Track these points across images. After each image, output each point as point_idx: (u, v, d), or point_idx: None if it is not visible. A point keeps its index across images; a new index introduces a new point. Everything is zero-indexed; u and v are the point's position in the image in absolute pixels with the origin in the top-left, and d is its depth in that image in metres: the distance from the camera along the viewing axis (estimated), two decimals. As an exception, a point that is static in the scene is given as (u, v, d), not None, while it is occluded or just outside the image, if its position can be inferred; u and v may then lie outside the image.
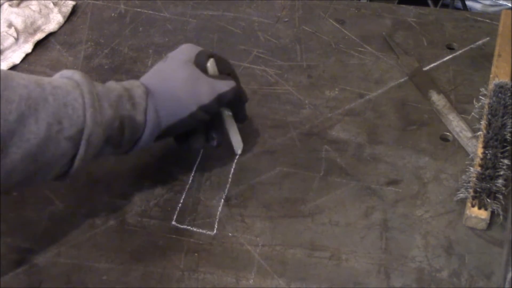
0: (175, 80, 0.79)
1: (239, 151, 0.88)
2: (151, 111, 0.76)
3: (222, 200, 0.83)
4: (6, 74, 0.66)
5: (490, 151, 0.82)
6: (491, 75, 0.97)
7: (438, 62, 1.03)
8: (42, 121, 0.66)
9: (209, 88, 0.79)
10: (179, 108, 0.78)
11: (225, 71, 0.83)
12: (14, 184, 0.68)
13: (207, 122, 0.82)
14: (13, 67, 1.04)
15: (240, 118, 0.87)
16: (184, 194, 0.84)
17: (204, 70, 0.81)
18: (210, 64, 0.81)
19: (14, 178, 0.66)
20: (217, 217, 0.81)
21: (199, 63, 0.81)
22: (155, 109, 0.76)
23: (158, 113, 0.77)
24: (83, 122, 0.69)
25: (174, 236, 0.79)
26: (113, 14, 1.15)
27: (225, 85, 0.81)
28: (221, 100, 0.81)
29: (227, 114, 0.85)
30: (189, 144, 0.83)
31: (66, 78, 0.72)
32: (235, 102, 0.83)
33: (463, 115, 0.93)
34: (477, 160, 0.83)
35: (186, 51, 0.82)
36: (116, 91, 0.74)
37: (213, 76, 0.81)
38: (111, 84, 0.76)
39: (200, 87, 0.79)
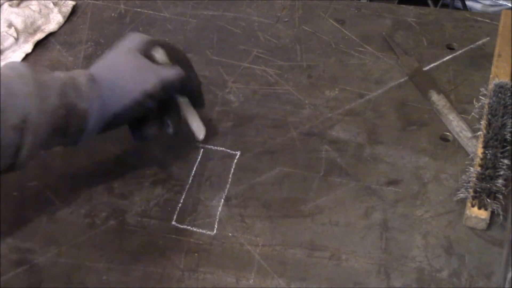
0: (120, 67, 0.80)
1: (200, 136, 0.87)
2: (95, 98, 0.76)
3: (222, 200, 0.83)
4: None
5: (490, 151, 0.82)
6: (491, 75, 0.97)
7: (438, 62, 1.03)
8: None
9: (153, 75, 0.80)
10: (123, 95, 0.78)
11: (176, 59, 0.84)
12: None
13: (162, 109, 0.82)
14: (13, 67, 1.04)
15: (197, 104, 0.87)
16: (184, 194, 0.84)
17: (151, 58, 0.82)
18: (158, 53, 0.82)
19: None
20: (217, 217, 0.81)
21: (146, 51, 0.82)
22: (100, 96, 0.76)
23: (103, 101, 0.77)
24: (27, 111, 0.69)
25: (174, 236, 0.79)
26: (113, 14, 1.15)
27: (170, 73, 0.81)
28: (166, 87, 0.81)
29: (182, 100, 0.85)
30: (141, 132, 0.83)
31: (10, 69, 0.72)
32: (184, 89, 0.84)
33: (463, 115, 0.93)
34: (477, 160, 0.83)
35: (133, 40, 0.83)
36: (61, 79, 0.74)
37: (159, 64, 0.82)
38: (57, 73, 0.76)
39: (144, 74, 0.80)
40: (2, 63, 1.03)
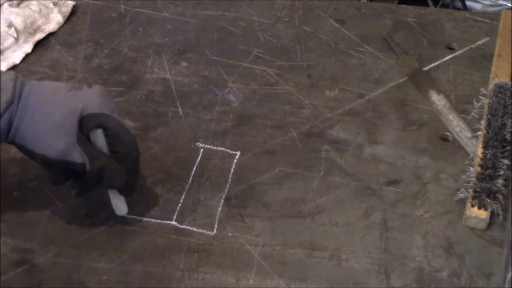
0: (46, 118, 0.73)
1: (118, 213, 0.81)
2: (4, 121, 0.72)
3: (222, 200, 0.83)
4: None
5: (490, 151, 0.82)
6: (491, 75, 0.97)
7: (438, 62, 1.03)
8: None
9: (63, 149, 0.73)
10: (30, 140, 0.73)
11: (117, 148, 0.76)
12: None
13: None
14: (13, 67, 1.04)
15: (122, 192, 0.79)
16: (184, 194, 0.84)
17: (86, 131, 0.74)
18: (96, 135, 0.75)
19: None
20: (217, 217, 0.81)
21: (87, 124, 0.74)
22: (10, 120, 0.72)
23: (12, 126, 0.73)
24: None
25: (174, 236, 0.79)
26: (113, 14, 1.15)
27: (80, 158, 0.73)
28: (69, 167, 0.74)
29: None
30: (49, 175, 0.77)
31: None
32: (103, 180, 0.75)
33: (463, 115, 0.93)
34: (477, 160, 0.83)
35: (90, 100, 0.75)
36: None
37: (84, 144, 0.73)
38: None
39: (56, 142, 0.73)
40: (2, 63, 1.03)
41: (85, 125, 0.74)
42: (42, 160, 0.74)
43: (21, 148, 0.75)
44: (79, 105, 0.74)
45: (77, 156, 0.73)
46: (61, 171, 0.75)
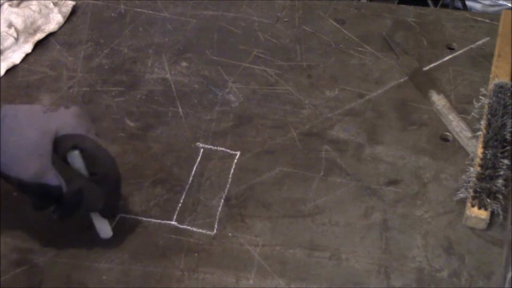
0: (20, 140, 0.71)
1: (102, 236, 0.78)
2: None
3: (222, 200, 0.83)
4: None
5: (490, 151, 0.82)
6: (491, 75, 0.97)
7: (438, 62, 1.03)
8: None
9: (38, 171, 0.71)
10: (4, 164, 0.71)
11: (95, 169, 0.73)
12: None
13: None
14: (13, 67, 1.04)
15: (103, 215, 0.77)
16: (184, 194, 0.84)
17: (60, 155, 0.72)
18: (73, 157, 0.72)
19: None
20: (217, 217, 0.81)
21: (62, 146, 0.72)
22: None
23: None
24: None
25: (174, 236, 0.79)
26: (113, 14, 1.15)
27: (55, 180, 0.71)
28: (45, 190, 0.72)
29: None
30: (30, 200, 0.75)
31: None
32: (69, 202, 0.73)
33: (463, 115, 0.93)
34: (477, 160, 0.83)
35: (65, 121, 0.73)
36: None
37: (59, 166, 0.71)
38: None
39: (30, 164, 0.71)
40: (2, 63, 1.03)
41: (60, 146, 0.71)
42: (17, 183, 0.72)
43: None
44: (53, 126, 0.72)
45: (53, 178, 0.71)
46: (38, 195, 0.73)
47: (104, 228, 0.78)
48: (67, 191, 0.71)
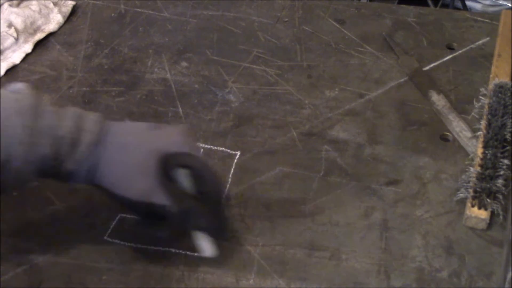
0: (128, 159, 0.71)
1: (205, 255, 0.76)
2: (87, 164, 0.70)
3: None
4: None
5: (490, 151, 0.82)
6: (491, 75, 0.97)
7: (438, 62, 1.03)
8: None
9: (146, 190, 0.70)
10: (111, 182, 0.71)
11: (202, 188, 0.73)
12: None
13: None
14: (13, 67, 1.04)
15: (215, 236, 0.75)
16: (184, 194, 0.84)
17: (169, 171, 0.72)
18: (179, 175, 0.72)
19: None
20: (217, 217, 0.81)
21: (169, 164, 0.72)
22: (94, 163, 0.71)
23: (95, 168, 0.71)
24: (11, 154, 0.66)
25: (174, 236, 0.79)
26: (113, 14, 1.15)
27: (163, 199, 0.70)
28: (152, 210, 0.71)
29: None
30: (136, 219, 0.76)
31: (14, 101, 0.68)
32: (176, 222, 0.72)
33: (463, 115, 0.93)
34: (477, 160, 0.83)
35: (171, 139, 0.74)
36: (63, 129, 0.69)
37: (167, 185, 0.71)
38: (66, 116, 0.70)
39: (138, 183, 0.71)
40: (2, 63, 1.03)
41: (168, 165, 0.71)
42: (126, 202, 0.72)
43: (104, 190, 0.72)
44: (160, 145, 0.72)
45: (160, 197, 0.70)
46: (144, 213, 0.73)
47: (207, 247, 0.75)
48: (175, 211, 0.70)
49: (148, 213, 0.72)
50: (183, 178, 0.72)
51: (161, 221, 0.72)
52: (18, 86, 0.71)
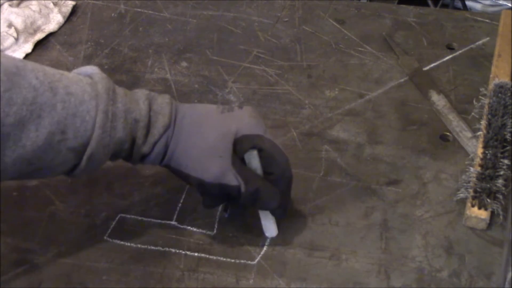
0: (201, 141, 0.73)
1: (268, 235, 0.79)
2: (160, 146, 0.72)
3: (222, 200, 0.83)
4: (19, 69, 0.64)
5: (490, 151, 0.82)
6: (491, 75, 0.97)
7: (438, 62, 1.03)
8: (43, 129, 0.65)
9: (219, 172, 0.72)
10: (186, 164, 0.73)
11: (271, 169, 0.74)
12: (9, 179, 0.68)
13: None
14: (13, 67, 1.04)
15: (275, 214, 0.78)
16: (184, 194, 0.84)
17: (239, 153, 0.73)
18: (251, 157, 0.73)
19: (6, 176, 0.66)
20: (217, 217, 0.81)
21: (240, 146, 0.73)
22: (166, 145, 0.73)
23: (167, 150, 0.73)
24: (89, 138, 0.68)
25: (174, 236, 0.79)
26: (113, 14, 1.15)
27: (235, 180, 0.72)
28: (224, 190, 0.73)
29: None
30: (203, 200, 0.77)
31: (88, 85, 0.69)
32: (256, 203, 0.74)
33: (463, 115, 0.93)
34: (477, 160, 0.83)
35: (242, 122, 0.74)
36: (137, 112, 0.71)
37: (238, 166, 0.72)
38: (138, 99, 0.72)
39: (212, 165, 0.72)
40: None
41: (239, 147, 0.73)
42: (198, 183, 0.73)
43: (176, 172, 0.74)
44: (232, 127, 0.73)
45: (233, 179, 0.72)
46: (217, 194, 0.74)
47: (270, 227, 0.78)
48: (246, 191, 0.72)
49: (221, 195, 0.74)
50: (254, 159, 0.73)
51: (231, 202, 0.75)
52: (90, 69, 0.73)
